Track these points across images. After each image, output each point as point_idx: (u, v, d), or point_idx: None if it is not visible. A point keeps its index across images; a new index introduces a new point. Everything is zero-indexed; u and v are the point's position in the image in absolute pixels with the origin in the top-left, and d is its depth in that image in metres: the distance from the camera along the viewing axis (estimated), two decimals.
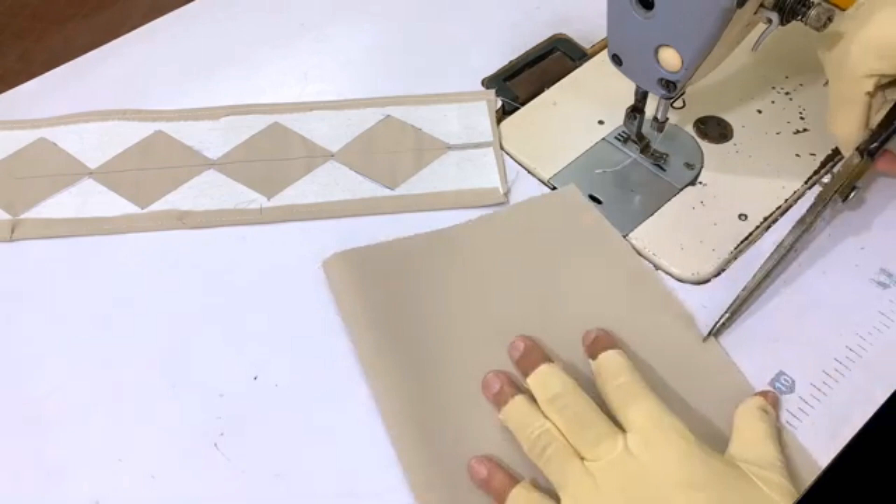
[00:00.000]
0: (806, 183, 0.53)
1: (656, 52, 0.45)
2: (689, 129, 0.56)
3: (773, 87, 0.58)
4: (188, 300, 0.49)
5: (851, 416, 0.43)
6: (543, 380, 0.42)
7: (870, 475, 0.36)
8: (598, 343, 0.44)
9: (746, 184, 0.53)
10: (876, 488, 0.35)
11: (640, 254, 0.50)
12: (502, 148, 0.56)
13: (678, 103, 0.57)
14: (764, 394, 0.44)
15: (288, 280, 0.49)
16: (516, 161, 0.55)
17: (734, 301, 0.47)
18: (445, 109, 0.58)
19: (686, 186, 0.53)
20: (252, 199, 0.53)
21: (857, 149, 0.47)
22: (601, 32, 0.48)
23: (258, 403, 0.45)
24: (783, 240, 0.48)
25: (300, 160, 0.55)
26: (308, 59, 0.62)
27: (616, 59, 0.48)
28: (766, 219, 0.51)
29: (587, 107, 0.57)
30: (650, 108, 0.51)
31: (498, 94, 0.59)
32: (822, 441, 0.42)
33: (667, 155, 0.54)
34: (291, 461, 0.43)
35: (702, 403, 0.44)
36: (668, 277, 0.49)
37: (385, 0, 0.66)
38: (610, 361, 0.42)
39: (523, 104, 0.58)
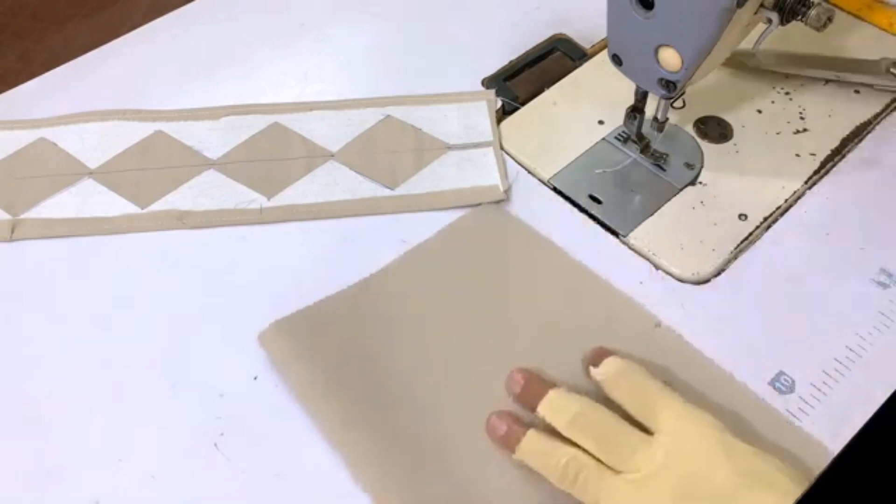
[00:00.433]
0: (806, 183, 0.53)
1: (656, 52, 0.45)
2: (689, 129, 0.56)
3: (773, 87, 0.58)
4: (188, 300, 0.49)
5: (851, 416, 0.43)
6: (557, 405, 0.40)
7: (870, 475, 0.36)
8: (599, 354, 0.43)
9: (746, 184, 0.53)
10: (876, 488, 0.35)
11: (639, 254, 0.50)
12: (502, 148, 0.56)
13: (678, 103, 0.57)
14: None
15: (288, 280, 0.49)
16: (516, 161, 0.55)
17: None
18: (445, 109, 0.58)
19: (686, 186, 0.53)
20: (252, 199, 0.53)
21: None
22: (601, 32, 0.48)
23: (258, 403, 0.45)
24: None
25: (300, 160, 0.55)
26: (308, 59, 0.62)
27: (616, 59, 0.48)
28: (766, 219, 0.51)
29: (587, 107, 0.57)
30: (650, 108, 0.51)
31: (498, 94, 0.59)
32: (823, 441, 0.42)
33: (667, 155, 0.54)
34: (291, 461, 0.43)
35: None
36: (669, 277, 0.49)
37: (385, 0, 0.66)
38: (615, 367, 0.42)
39: (523, 104, 0.58)
